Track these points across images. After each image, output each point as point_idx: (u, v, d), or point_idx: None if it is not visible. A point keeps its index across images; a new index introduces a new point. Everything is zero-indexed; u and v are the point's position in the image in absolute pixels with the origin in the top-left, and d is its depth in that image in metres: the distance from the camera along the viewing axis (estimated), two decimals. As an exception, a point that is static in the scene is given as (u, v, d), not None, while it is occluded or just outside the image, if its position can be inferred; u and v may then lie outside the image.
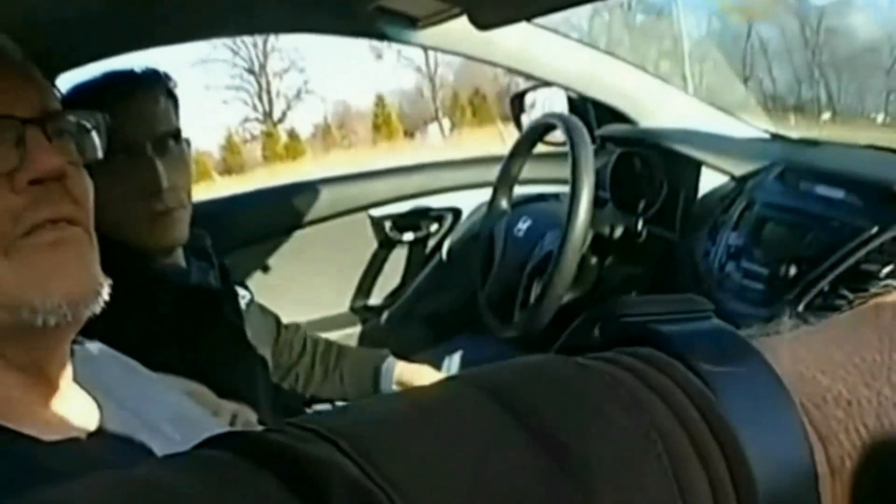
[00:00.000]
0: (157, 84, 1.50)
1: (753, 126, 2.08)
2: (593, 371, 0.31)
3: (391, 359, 1.80)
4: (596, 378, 0.31)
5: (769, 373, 0.31)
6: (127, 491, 0.25)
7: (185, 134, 1.54)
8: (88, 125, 0.83)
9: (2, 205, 0.71)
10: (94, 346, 0.93)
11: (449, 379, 0.32)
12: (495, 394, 0.30)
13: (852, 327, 0.35)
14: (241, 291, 1.71)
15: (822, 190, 1.56)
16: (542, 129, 1.93)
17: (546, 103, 2.24)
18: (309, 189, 2.40)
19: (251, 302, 1.73)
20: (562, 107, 2.24)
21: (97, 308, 0.75)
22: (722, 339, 0.33)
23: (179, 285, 1.49)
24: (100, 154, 0.83)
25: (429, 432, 0.28)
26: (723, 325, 0.34)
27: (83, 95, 1.44)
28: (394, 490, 0.25)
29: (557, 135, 1.84)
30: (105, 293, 0.76)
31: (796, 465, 0.30)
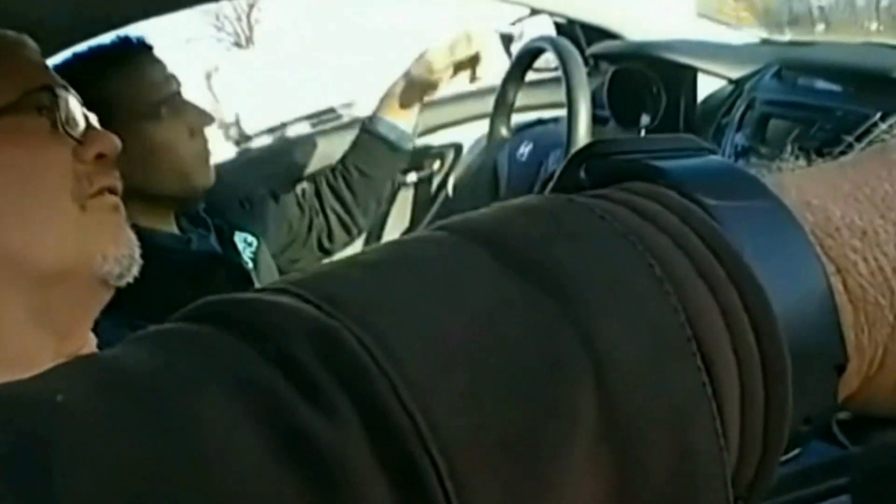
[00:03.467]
0: (150, 49, 1.53)
1: (745, 33, 2.05)
2: (582, 205, 0.29)
3: None
4: (583, 210, 0.29)
5: (777, 203, 0.29)
6: (92, 375, 0.24)
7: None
8: None
9: (76, 167, 0.81)
10: None
11: (429, 229, 0.30)
12: (474, 232, 0.28)
13: (858, 162, 0.33)
14: (247, 238, 1.69)
15: (820, 84, 1.54)
16: (532, 54, 1.91)
17: (534, 32, 2.22)
18: (306, 142, 2.38)
19: (258, 248, 1.71)
20: (549, 33, 2.22)
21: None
22: (723, 172, 0.31)
23: (181, 253, 1.50)
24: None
25: (399, 270, 0.27)
26: (722, 160, 0.32)
27: (79, 69, 1.43)
28: (361, 327, 0.23)
29: (549, 61, 1.82)
30: None
31: (813, 294, 0.28)
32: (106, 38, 1.53)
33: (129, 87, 1.45)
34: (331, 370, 0.23)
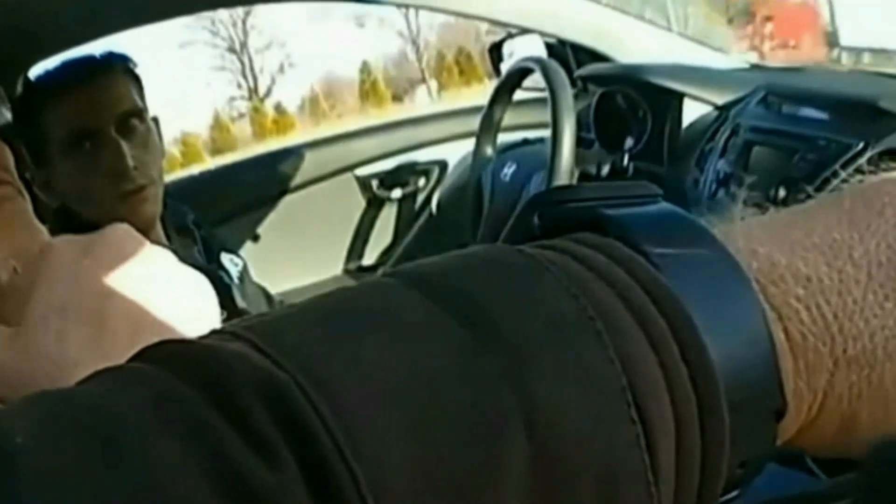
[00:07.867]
0: (113, 66, 1.49)
1: (734, 58, 2.07)
2: (528, 256, 0.29)
3: None
4: (531, 262, 0.29)
5: (721, 251, 0.30)
6: (48, 415, 0.24)
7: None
8: None
9: None
10: None
11: (380, 275, 0.31)
12: (419, 281, 0.29)
13: (811, 210, 0.33)
14: (234, 259, 1.71)
15: (806, 111, 1.54)
16: (519, 74, 1.92)
17: (524, 51, 2.23)
18: (293, 154, 2.39)
19: (244, 269, 1.72)
20: (540, 52, 2.23)
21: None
22: (669, 220, 0.32)
23: None
24: (9, 117, 0.82)
25: (349, 322, 0.27)
26: (671, 208, 0.33)
27: (42, 85, 1.45)
28: (305, 376, 0.24)
29: (538, 81, 1.83)
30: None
31: (753, 341, 0.29)
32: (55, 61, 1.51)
33: (59, 114, 1.41)
34: (277, 424, 0.23)
